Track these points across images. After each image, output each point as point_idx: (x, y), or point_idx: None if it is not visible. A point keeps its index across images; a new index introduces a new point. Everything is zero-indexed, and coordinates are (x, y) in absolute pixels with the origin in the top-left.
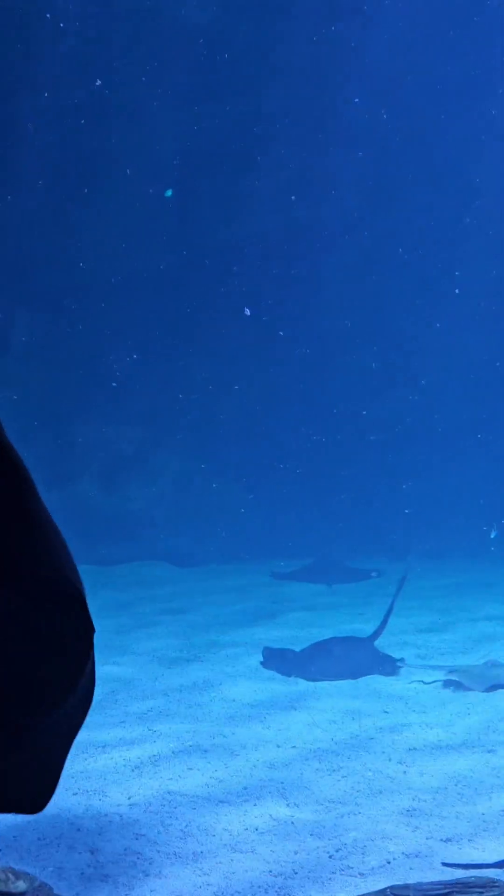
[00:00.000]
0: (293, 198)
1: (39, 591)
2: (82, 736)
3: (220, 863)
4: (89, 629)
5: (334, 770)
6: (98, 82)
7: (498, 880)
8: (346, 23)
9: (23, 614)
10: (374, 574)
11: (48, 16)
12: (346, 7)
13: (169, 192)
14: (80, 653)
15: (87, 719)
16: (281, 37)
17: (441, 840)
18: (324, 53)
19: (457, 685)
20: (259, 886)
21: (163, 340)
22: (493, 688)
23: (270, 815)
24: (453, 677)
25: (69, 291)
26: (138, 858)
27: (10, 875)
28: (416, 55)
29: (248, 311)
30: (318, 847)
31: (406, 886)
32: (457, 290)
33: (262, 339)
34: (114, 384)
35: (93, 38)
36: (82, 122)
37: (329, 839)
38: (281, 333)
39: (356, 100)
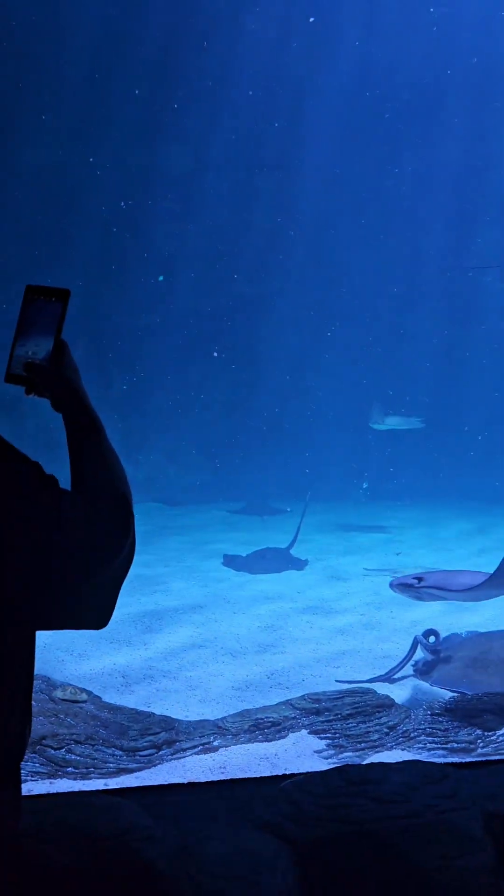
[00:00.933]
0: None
1: (100, 496)
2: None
3: (202, 681)
4: (130, 516)
5: (268, 627)
6: None
7: (370, 689)
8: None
9: (86, 509)
10: (288, 510)
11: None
12: None
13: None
14: (125, 529)
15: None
16: None
17: (335, 668)
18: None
19: (337, 576)
20: (227, 694)
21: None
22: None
23: (228, 653)
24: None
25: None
26: (150, 679)
27: (76, 690)
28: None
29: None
30: (259, 672)
31: (317, 694)
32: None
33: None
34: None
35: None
36: None
37: (265, 667)
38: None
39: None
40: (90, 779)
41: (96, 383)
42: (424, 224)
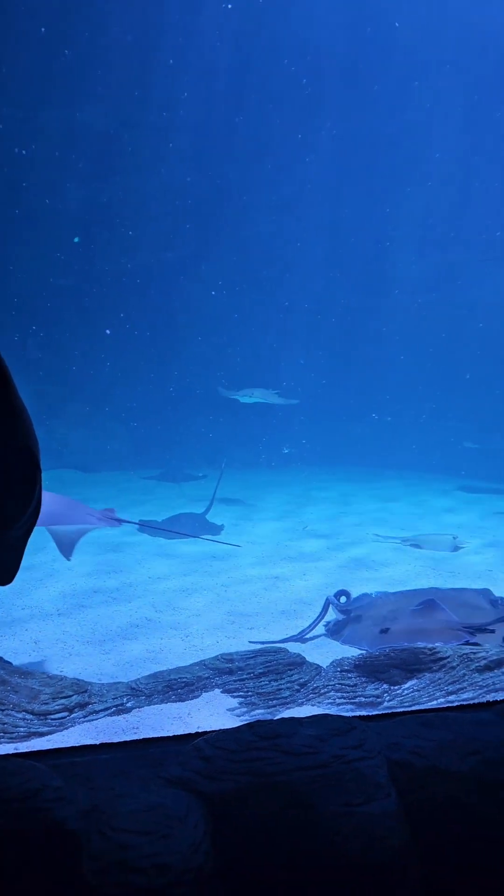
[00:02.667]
0: None
1: (7, 452)
2: None
3: (116, 647)
4: (37, 474)
5: (186, 589)
6: None
7: (283, 649)
8: None
9: None
10: (201, 476)
11: None
12: None
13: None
14: (31, 488)
15: None
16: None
17: (248, 629)
18: None
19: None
20: (141, 657)
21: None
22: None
23: (146, 619)
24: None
25: None
26: (63, 644)
27: None
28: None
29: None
30: (175, 635)
31: (230, 654)
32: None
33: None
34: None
35: None
36: None
37: (182, 629)
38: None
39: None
40: (0, 744)
41: (9, 346)
42: (341, 195)
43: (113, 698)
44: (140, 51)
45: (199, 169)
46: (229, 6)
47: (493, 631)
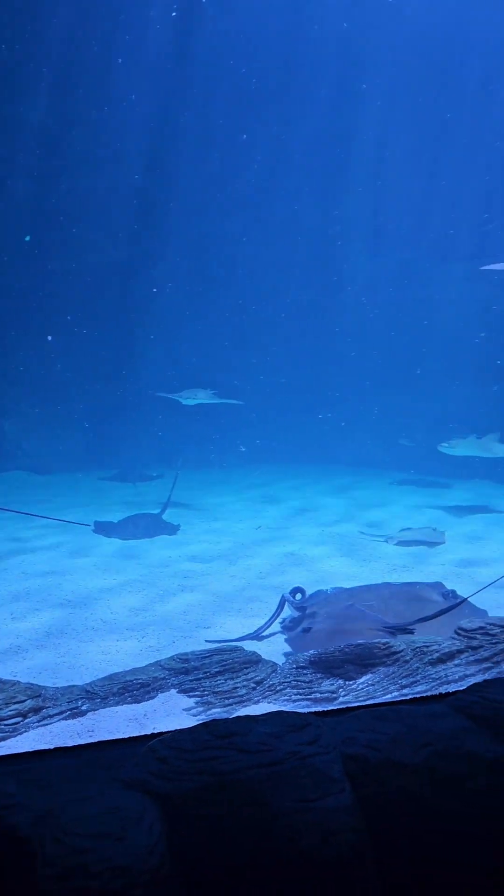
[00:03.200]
0: None
1: None
2: None
3: (80, 653)
4: None
5: (136, 590)
6: None
7: (238, 647)
8: None
9: None
10: (156, 476)
11: None
12: None
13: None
14: None
15: None
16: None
17: (204, 628)
18: None
19: (210, 538)
20: (95, 659)
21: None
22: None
23: (101, 620)
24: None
25: None
26: (17, 650)
27: None
28: None
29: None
30: (132, 636)
31: (185, 654)
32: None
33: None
34: None
35: None
36: None
37: (138, 630)
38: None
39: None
40: None
41: None
42: (291, 194)
43: (67, 702)
44: (84, 48)
45: (148, 168)
46: (174, 13)
47: (412, 632)
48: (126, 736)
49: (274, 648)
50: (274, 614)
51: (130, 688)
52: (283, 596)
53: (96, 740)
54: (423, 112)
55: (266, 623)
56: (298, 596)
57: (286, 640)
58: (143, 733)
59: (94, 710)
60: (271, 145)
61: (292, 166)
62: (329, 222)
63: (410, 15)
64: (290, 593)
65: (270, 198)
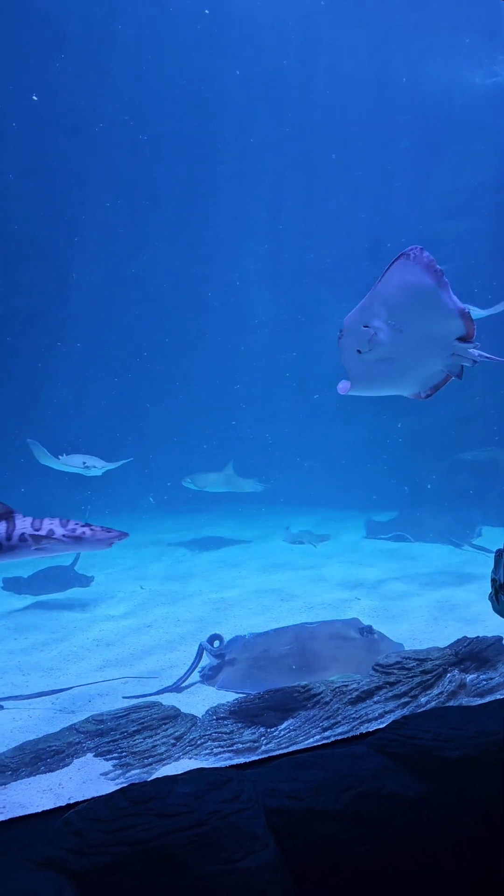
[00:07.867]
0: None
1: None
2: None
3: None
4: None
5: (45, 644)
6: None
7: (156, 702)
8: None
9: None
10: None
11: None
12: None
13: None
14: None
15: None
16: None
17: (121, 682)
18: None
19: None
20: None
21: None
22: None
23: (12, 683)
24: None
25: None
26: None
27: None
28: None
29: None
30: (45, 699)
31: (101, 714)
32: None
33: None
34: None
35: None
36: None
37: (49, 698)
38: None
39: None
40: None
41: None
42: (191, 236)
43: None
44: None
45: (46, 209)
46: None
47: None
48: (40, 810)
49: (194, 699)
50: (193, 664)
51: (43, 756)
52: (200, 644)
53: (8, 818)
54: (302, 155)
55: (185, 673)
56: (216, 643)
57: (217, 687)
58: (58, 805)
59: (5, 784)
60: (167, 189)
61: (189, 210)
62: (229, 262)
63: (278, 63)
64: (207, 641)
65: (170, 240)
